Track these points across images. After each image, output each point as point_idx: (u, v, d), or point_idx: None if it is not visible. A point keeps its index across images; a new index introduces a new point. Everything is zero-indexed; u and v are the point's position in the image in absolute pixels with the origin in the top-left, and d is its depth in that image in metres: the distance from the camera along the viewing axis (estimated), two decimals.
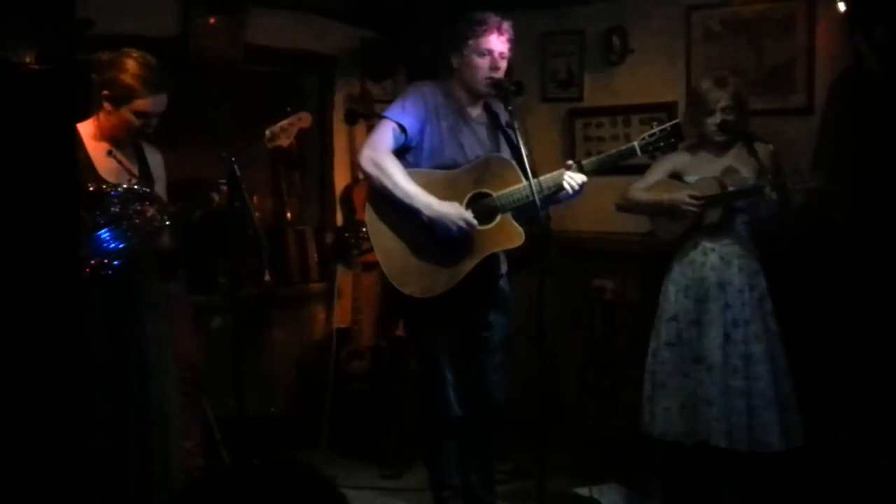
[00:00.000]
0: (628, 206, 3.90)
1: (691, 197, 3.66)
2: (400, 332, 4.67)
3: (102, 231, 3.00)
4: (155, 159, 3.31)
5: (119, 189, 3.06)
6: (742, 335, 3.62)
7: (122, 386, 3.11)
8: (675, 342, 3.73)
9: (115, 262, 3.01)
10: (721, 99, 3.63)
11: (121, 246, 3.02)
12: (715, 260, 3.69)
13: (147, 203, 3.09)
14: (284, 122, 3.69)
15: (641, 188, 3.84)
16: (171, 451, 3.27)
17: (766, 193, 3.53)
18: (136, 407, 3.15)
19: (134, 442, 3.13)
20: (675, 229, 3.78)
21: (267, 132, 3.70)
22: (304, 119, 3.70)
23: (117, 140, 3.17)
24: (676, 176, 3.82)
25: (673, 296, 3.75)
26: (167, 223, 3.13)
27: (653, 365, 3.80)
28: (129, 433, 3.12)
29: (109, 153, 3.11)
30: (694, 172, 3.77)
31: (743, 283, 3.66)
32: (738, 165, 3.72)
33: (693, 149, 3.77)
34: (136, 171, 3.21)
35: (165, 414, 3.24)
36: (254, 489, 1.18)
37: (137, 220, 3.05)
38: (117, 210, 3.04)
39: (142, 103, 3.08)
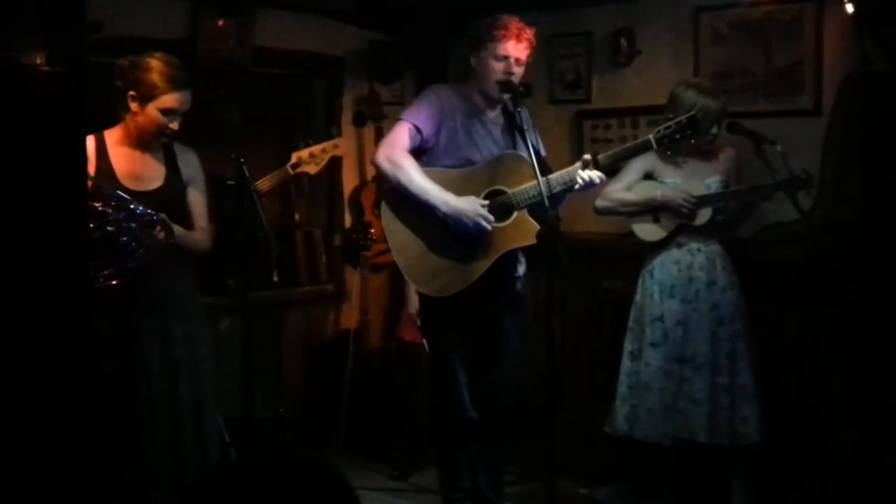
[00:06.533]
0: (610, 207, 3.86)
1: (686, 199, 3.67)
2: (405, 335, 4.66)
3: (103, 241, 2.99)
4: (187, 159, 3.32)
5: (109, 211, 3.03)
6: (728, 333, 3.69)
7: (146, 387, 3.12)
8: (660, 342, 3.74)
9: (122, 273, 3.01)
10: (720, 109, 3.66)
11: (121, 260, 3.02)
12: (702, 260, 3.73)
13: (139, 223, 3.05)
14: (315, 148, 3.58)
15: (620, 189, 3.83)
16: (206, 449, 3.26)
17: (768, 195, 3.62)
18: (165, 407, 3.16)
19: (163, 441, 3.13)
20: (658, 230, 3.79)
21: (293, 157, 3.65)
22: (340, 146, 3.57)
23: (145, 143, 3.20)
24: (649, 177, 3.82)
25: (658, 296, 3.76)
26: (162, 236, 3.09)
27: (634, 366, 3.81)
28: (158, 433, 3.13)
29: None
30: (669, 174, 3.78)
31: (726, 281, 3.73)
32: (709, 167, 3.75)
33: (662, 151, 3.73)
34: (162, 174, 3.23)
35: (199, 413, 3.24)
36: (267, 484, 1.17)
37: (125, 238, 3.02)
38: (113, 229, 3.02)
39: (167, 99, 3.11)
